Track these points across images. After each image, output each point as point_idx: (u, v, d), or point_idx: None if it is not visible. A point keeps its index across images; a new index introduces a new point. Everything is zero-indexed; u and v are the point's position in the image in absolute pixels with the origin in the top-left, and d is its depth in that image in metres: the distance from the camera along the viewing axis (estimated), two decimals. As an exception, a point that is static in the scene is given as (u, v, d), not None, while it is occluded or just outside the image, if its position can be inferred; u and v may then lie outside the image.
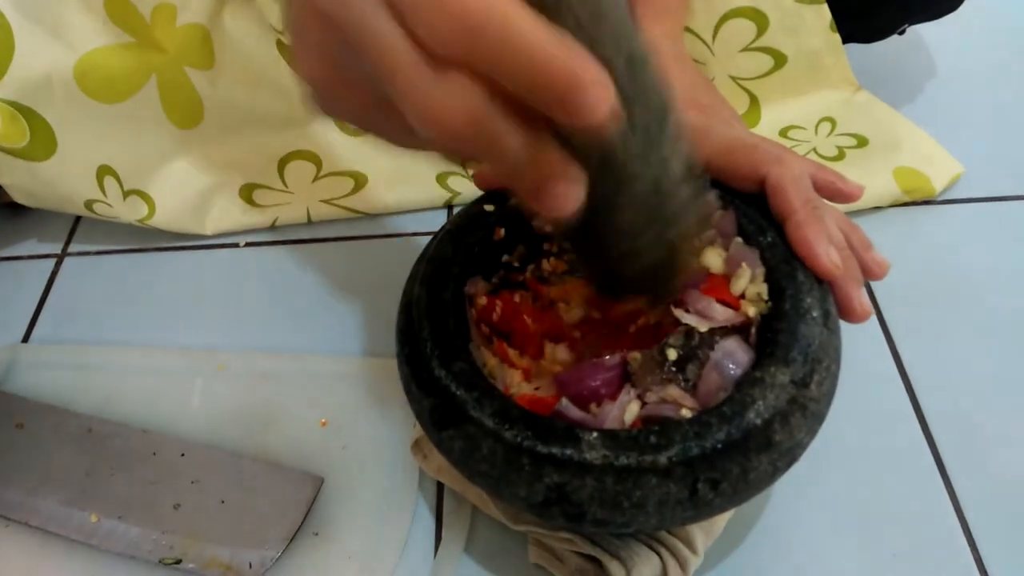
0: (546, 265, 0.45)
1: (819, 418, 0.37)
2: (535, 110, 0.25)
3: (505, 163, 0.26)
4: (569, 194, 0.27)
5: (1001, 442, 0.49)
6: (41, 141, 0.56)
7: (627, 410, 0.37)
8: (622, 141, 0.30)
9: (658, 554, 0.42)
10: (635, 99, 0.29)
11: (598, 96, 0.23)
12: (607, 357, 0.39)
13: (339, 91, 0.29)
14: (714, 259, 0.41)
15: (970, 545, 0.45)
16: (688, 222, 0.35)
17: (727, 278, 0.40)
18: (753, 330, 0.38)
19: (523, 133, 0.25)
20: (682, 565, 0.42)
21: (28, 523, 0.47)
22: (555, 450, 0.34)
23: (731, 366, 0.37)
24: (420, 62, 0.24)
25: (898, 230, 0.61)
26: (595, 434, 0.34)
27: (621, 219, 0.33)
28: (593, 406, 0.38)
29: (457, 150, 0.27)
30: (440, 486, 0.48)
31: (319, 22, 0.26)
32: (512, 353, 0.42)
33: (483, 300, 0.43)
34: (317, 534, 0.46)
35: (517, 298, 0.44)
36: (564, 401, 0.37)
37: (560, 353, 0.42)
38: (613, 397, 0.37)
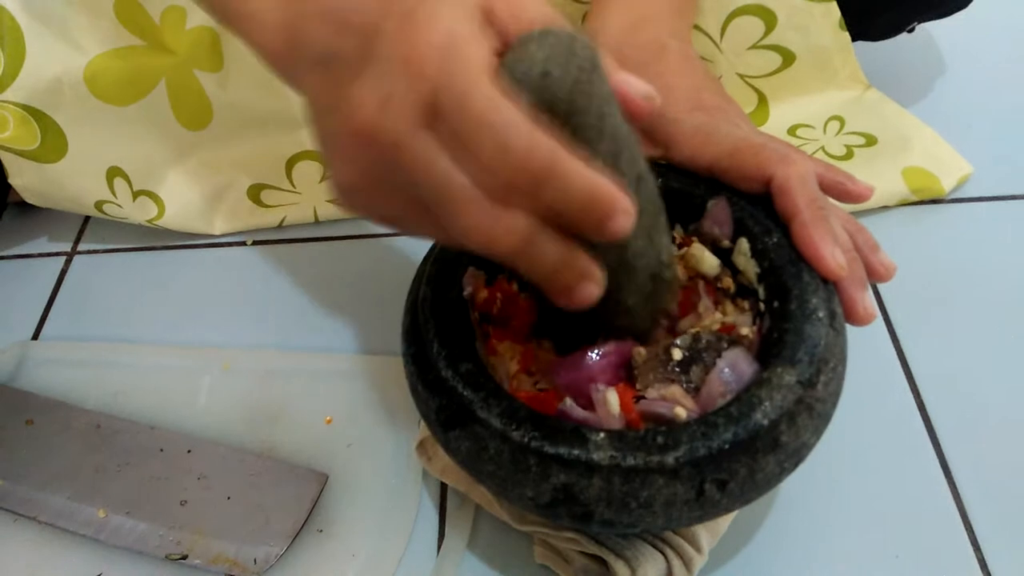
0: None
1: (825, 418, 0.37)
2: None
3: (543, 271, 0.31)
4: (594, 292, 0.32)
5: (1006, 444, 0.49)
6: (52, 143, 0.57)
7: (609, 402, 0.37)
8: (632, 243, 0.35)
9: (663, 554, 0.42)
10: (642, 209, 0.34)
11: (628, 220, 0.29)
12: (602, 347, 0.39)
13: (375, 198, 0.32)
14: (708, 259, 0.42)
15: (974, 547, 0.45)
16: (672, 294, 0.41)
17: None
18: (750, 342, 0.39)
19: (561, 246, 0.30)
20: (687, 564, 0.42)
21: (37, 519, 0.47)
22: (562, 450, 0.34)
23: (735, 376, 0.37)
24: (483, 199, 0.29)
25: (906, 230, 0.60)
26: (602, 434, 0.34)
27: (629, 303, 0.38)
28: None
29: (502, 261, 0.31)
30: (444, 483, 0.48)
31: (363, 143, 0.30)
32: (506, 346, 0.42)
33: (484, 294, 0.43)
34: (321, 531, 0.46)
35: (515, 285, 0.44)
36: (568, 401, 0.37)
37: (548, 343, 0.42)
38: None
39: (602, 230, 0.29)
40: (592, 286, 0.32)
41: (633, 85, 0.32)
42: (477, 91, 0.28)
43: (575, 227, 0.30)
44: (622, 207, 0.29)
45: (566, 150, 0.28)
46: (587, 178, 0.29)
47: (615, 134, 0.32)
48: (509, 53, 0.29)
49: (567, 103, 0.30)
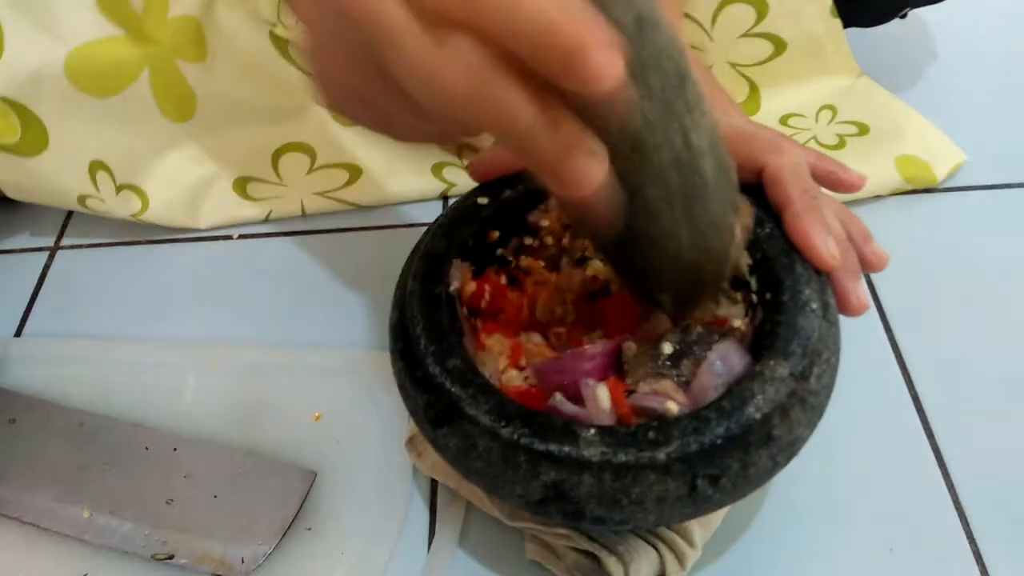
0: (524, 261, 0.45)
1: (819, 411, 0.36)
2: (548, 82, 0.24)
3: (517, 133, 0.25)
4: (591, 167, 0.25)
5: (1001, 435, 0.49)
6: (32, 137, 0.56)
7: (599, 398, 0.36)
8: (638, 109, 0.28)
9: (656, 548, 0.41)
10: (648, 63, 0.27)
11: (606, 59, 0.22)
12: (589, 346, 0.38)
13: (346, 74, 0.29)
14: None
15: (968, 539, 0.45)
16: (716, 204, 0.33)
17: None
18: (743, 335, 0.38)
19: (534, 102, 0.24)
20: (680, 559, 0.41)
21: (20, 519, 0.47)
22: (552, 447, 0.33)
23: (726, 369, 0.36)
24: (419, 29, 0.24)
25: (899, 219, 0.60)
26: (593, 431, 0.34)
27: (644, 196, 0.31)
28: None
29: (465, 121, 0.25)
30: (434, 480, 0.48)
31: (325, 13, 0.27)
32: (495, 339, 0.41)
33: (471, 287, 0.42)
34: (310, 529, 0.46)
35: (503, 278, 0.43)
36: (558, 396, 0.36)
37: (536, 337, 0.42)
38: None
39: (575, 73, 0.22)
40: (589, 160, 0.25)
41: None
42: None
43: (543, 70, 0.23)
44: (598, 39, 0.22)
45: None
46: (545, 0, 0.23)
47: None
48: None
49: None
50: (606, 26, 0.22)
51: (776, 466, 0.35)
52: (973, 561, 0.44)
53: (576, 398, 0.37)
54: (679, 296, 0.37)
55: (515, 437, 0.34)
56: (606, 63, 0.22)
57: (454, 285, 0.41)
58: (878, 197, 0.61)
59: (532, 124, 0.25)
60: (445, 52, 0.24)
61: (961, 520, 0.45)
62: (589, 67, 0.22)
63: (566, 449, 0.33)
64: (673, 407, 0.36)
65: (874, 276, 0.56)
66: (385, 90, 0.28)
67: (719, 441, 0.33)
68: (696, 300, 0.38)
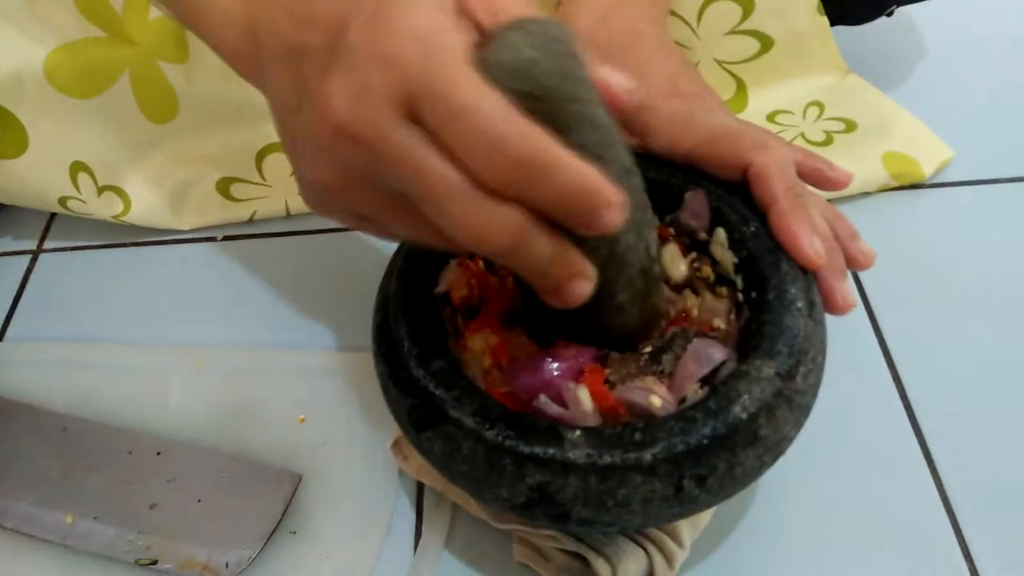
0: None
1: (805, 410, 0.36)
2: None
3: (537, 269, 0.30)
4: (585, 289, 0.31)
5: (990, 432, 0.48)
6: (12, 138, 0.55)
7: (581, 400, 0.36)
8: (622, 237, 0.34)
9: (644, 549, 0.41)
10: (631, 203, 0.32)
11: (620, 213, 0.28)
12: (563, 347, 0.38)
13: (350, 197, 0.31)
14: (678, 267, 0.42)
15: (957, 536, 0.45)
16: (660, 294, 0.40)
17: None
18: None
19: (552, 242, 0.29)
20: (668, 559, 0.41)
21: (2, 525, 0.46)
22: (537, 449, 0.33)
23: (705, 358, 0.36)
24: (470, 191, 0.27)
25: (887, 215, 0.60)
26: (578, 432, 0.33)
27: (620, 299, 0.36)
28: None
29: (492, 258, 0.30)
30: (421, 482, 0.47)
31: (339, 139, 0.29)
32: (479, 338, 0.40)
33: (463, 292, 0.41)
34: (295, 532, 0.45)
35: (480, 264, 0.43)
36: (543, 398, 0.36)
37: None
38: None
39: (593, 223, 0.28)
40: (585, 283, 0.31)
41: (614, 78, 0.31)
42: (460, 80, 0.27)
43: (565, 221, 0.28)
44: (614, 199, 0.28)
45: (553, 139, 0.27)
46: (577, 169, 0.27)
47: (600, 123, 0.31)
48: (489, 44, 0.28)
49: (550, 91, 0.28)
50: (613, 183, 0.28)
51: (763, 466, 0.35)
52: (962, 558, 0.44)
53: (558, 399, 0.36)
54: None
55: (500, 440, 0.33)
56: (617, 216, 0.28)
57: (442, 287, 0.41)
58: (866, 194, 0.61)
59: (547, 259, 0.29)
60: (495, 214, 0.28)
61: (950, 517, 0.45)
62: (605, 219, 0.28)
63: (551, 451, 0.33)
64: (656, 401, 0.35)
65: (861, 272, 0.56)
66: (390, 213, 0.31)
67: (705, 441, 0.33)
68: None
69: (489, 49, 0.28)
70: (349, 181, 0.30)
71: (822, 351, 0.37)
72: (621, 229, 0.30)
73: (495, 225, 0.28)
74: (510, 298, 0.41)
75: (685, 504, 0.33)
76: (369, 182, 0.30)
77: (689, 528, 0.42)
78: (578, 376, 0.37)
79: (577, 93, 0.29)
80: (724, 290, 0.41)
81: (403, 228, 0.32)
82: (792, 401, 0.35)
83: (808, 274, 0.38)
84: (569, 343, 0.38)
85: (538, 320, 0.39)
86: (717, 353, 0.37)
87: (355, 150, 0.29)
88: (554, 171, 0.27)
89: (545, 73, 0.28)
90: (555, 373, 0.37)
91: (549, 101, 0.28)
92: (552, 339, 0.39)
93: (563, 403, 0.36)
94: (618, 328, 0.38)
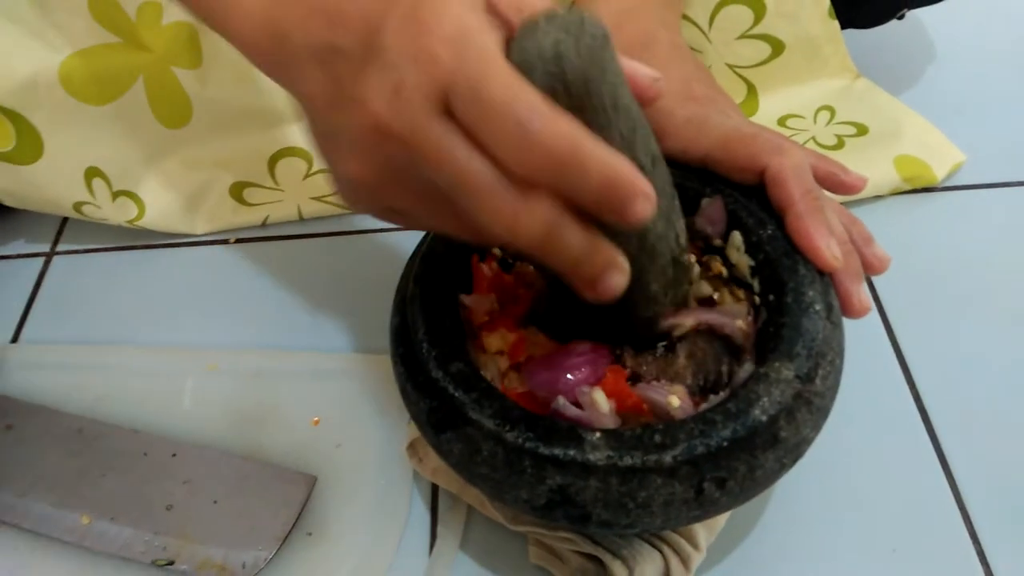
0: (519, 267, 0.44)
1: (824, 413, 0.36)
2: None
3: (570, 261, 0.30)
4: (620, 282, 0.31)
5: (1003, 434, 0.49)
6: (27, 145, 0.55)
7: (597, 402, 0.36)
8: (653, 227, 0.34)
9: (660, 552, 0.41)
10: (660, 192, 0.32)
11: (651, 204, 0.28)
12: (577, 344, 0.38)
13: (385, 192, 0.32)
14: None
15: (972, 539, 0.45)
16: (689, 277, 0.40)
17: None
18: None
19: (585, 234, 0.29)
20: (685, 562, 0.41)
21: (19, 525, 0.46)
22: (557, 451, 0.33)
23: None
24: (504, 184, 0.28)
25: (899, 219, 0.60)
26: (598, 434, 0.33)
27: (653, 289, 0.36)
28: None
29: (527, 251, 0.30)
30: (436, 484, 0.47)
31: (376, 136, 0.29)
32: (496, 337, 0.40)
33: (484, 319, 0.41)
34: (311, 534, 0.46)
35: (494, 264, 0.43)
36: (561, 400, 0.36)
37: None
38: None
39: (625, 215, 0.28)
40: (619, 275, 0.31)
41: (639, 69, 0.32)
42: (493, 76, 0.27)
43: (597, 212, 0.29)
44: (645, 191, 0.28)
45: (586, 132, 0.28)
46: (609, 160, 0.28)
47: (630, 109, 0.31)
48: (517, 39, 0.29)
49: (582, 83, 0.29)
50: (642, 175, 0.28)
51: (782, 468, 0.35)
52: (977, 561, 0.44)
53: (575, 401, 0.36)
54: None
55: (520, 441, 0.34)
56: (648, 207, 0.28)
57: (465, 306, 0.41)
58: (878, 197, 0.61)
59: (580, 251, 0.30)
60: (528, 206, 0.28)
61: (964, 520, 0.45)
62: (637, 210, 0.28)
63: (571, 453, 0.33)
64: (675, 401, 0.36)
65: (875, 276, 0.56)
66: (424, 206, 0.32)
67: (725, 443, 0.33)
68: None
69: (520, 41, 0.28)
70: (385, 177, 0.31)
71: (840, 354, 0.37)
72: (651, 219, 0.30)
73: (529, 217, 0.28)
74: (527, 300, 0.41)
75: (705, 506, 0.33)
76: (405, 177, 0.31)
77: (705, 531, 0.42)
78: (595, 378, 0.37)
79: (608, 80, 0.30)
80: (741, 292, 0.41)
81: (436, 221, 0.32)
82: (811, 403, 0.35)
83: (825, 277, 0.39)
84: (583, 341, 0.38)
85: (563, 319, 0.39)
86: (660, 398, 0.37)
87: (394, 147, 0.29)
88: (586, 163, 0.27)
89: (576, 62, 0.28)
90: (570, 377, 0.37)
91: (581, 90, 0.29)
92: (572, 338, 0.39)
93: (580, 405, 0.36)
94: (650, 321, 0.38)
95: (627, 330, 0.38)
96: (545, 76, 0.28)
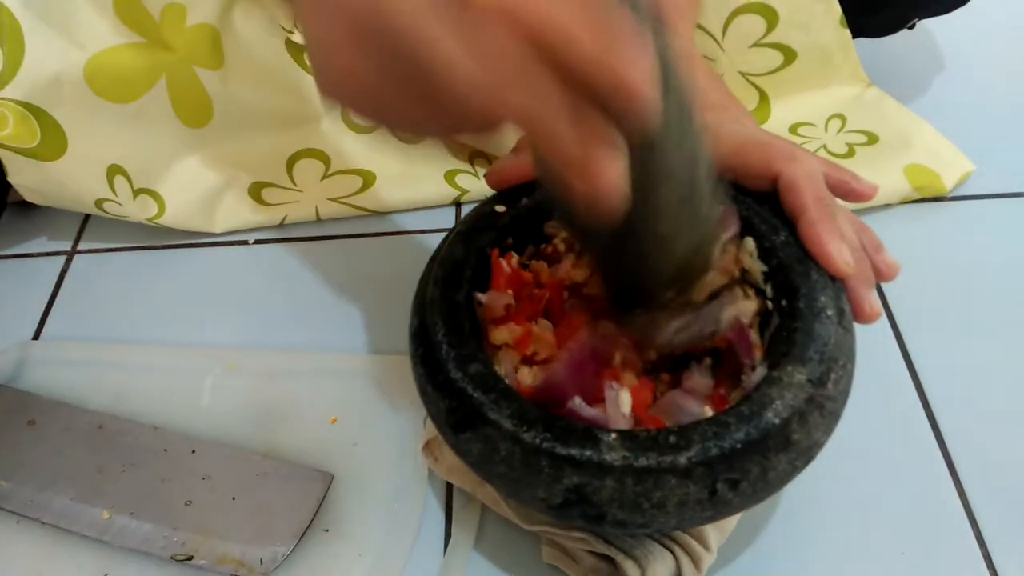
0: (535, 265, 0.45)
1: (836, 417, 0.37)
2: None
3: (546, 120, 0.27)
4: (612, 160, 0.27)
5: (1012, 441, 0.49)
6: (52, 141, 0.56)
7: (621, 402, 0.37)
8: (660, 154, 0.32)
9: (672, 552, 0.42)
10: (668, 95, 0.30)
11: (649, 105, 0.26)
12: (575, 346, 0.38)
13: (367, 85, 0.29)
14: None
15: (979, 543, 0.45)
16: (711, 202, 0.36)
17: None
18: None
19: (566, 93, 0.26)
20: (696, 563, 0.42)
21: (40, 520, 0.47)
22: (574, 451, 0.34)
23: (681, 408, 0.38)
24: (467, 26, 0.26)
25: (908, 227, 0.60)
26: (614, 435, 0.34)
27: (661, 230, 0.34)
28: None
29: (503, 109, 0.27)
30: (450, 483, 0.48)
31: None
32: (503, 331, 0.41)
33: (502, 313, 0.42)
34: (327, 531, 0.46)
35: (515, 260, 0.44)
36: (577, 400, 0.37)
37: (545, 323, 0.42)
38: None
39: (625, 112, 0.26)
40: (607, 149, 0.27)
41: None
42: None
43: (595, 94, 0.26)
44: (646, 93, 0.26)
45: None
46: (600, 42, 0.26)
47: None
48: None
49: None
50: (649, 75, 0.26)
51: (794, 471, 0.35)
52: (984, 565, 0.44)
53: (591, 399, 0.37)
54: (670, 289, 0.38)
55: (537, 442, 0.34)
56: (648, 112, 0.26)
57: (480, 303, 0.41)
58: (887, 206, 0.62)
59: (560, 112, 0.26)
60: (485, 38, 0.26)
61: (972, 524, 0.46)
62: (637, 108, 0.26)
63: (588, 453, 0.34)
64: (709, 412, 0.36)
65: (884, 284, 0.57)
66: (409, 93, 0.29)
67: (739, 445, 0.34)
68: (685, 291, 0.39)
69: None
70: (364, 61, 0.29)
71: (852, 358, 0.38)
72: (660, 147, 0.29)
73: (489, 56, 0.26)
74: (542, 298, 0.42)
75: (718, 507, 0.34)
76: (385, 59, 0.28)
77: (716, 532, 0.43)
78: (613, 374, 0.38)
79: None
80: (752, 291, 0.42)
81: (412, 106, 0.29)
82: (823, 407, 0.36)
83: (837, 283, 0.39)
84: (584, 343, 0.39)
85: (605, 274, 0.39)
86: (694, 408, 0.37)
87: (373, 42, 0.28)
88: (569, 36, 0.26)
89: None
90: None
91: None
92: (617, 291, 0.39)
93: (600, 401, 0.37)
94: (666, 273, 0.37)
95: (649, 288, 0.37)
96: None
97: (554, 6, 0.26)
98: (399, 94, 0.29)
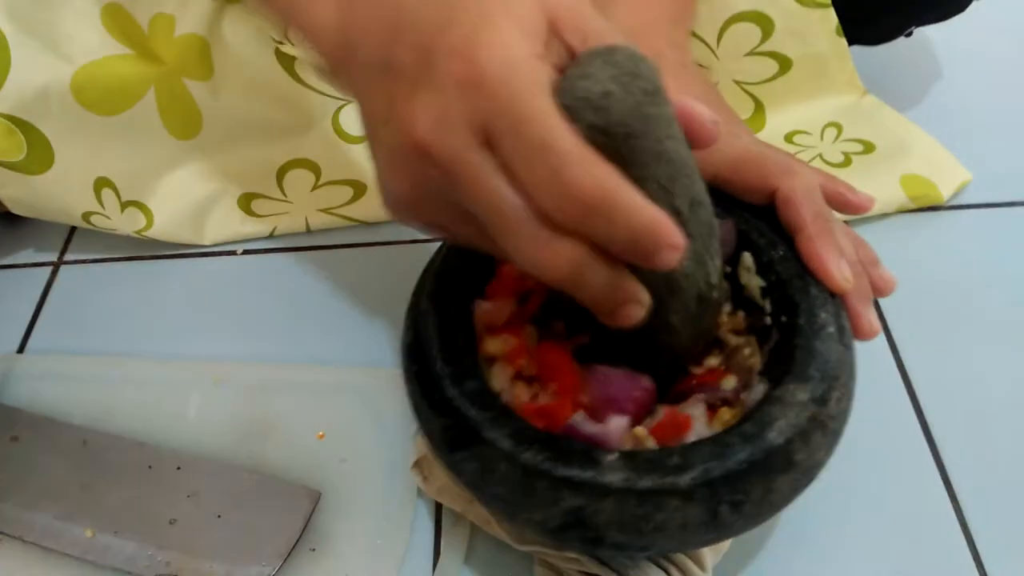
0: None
1: (837, 436, 0.36)
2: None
3: (593, 294, 0.31)
4: (638, 314, 0.32)
5: (1008, 455, 0.48)
6: (38, 154, 0.55)
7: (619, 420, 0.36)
8: (680, 267, 0.35)
9: (667, 572, 0.41)
10: (694, 234, 0.34)
11: (676, 254, 0.29)
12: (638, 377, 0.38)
13: (424, 208, 0.33)
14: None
15: (976, 562, 0.45)
16: (715, 314, 0.39)
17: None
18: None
19: (609, 272, 0.30)
20: (692, 583, 0.41)
21: (23, 538, 0.46)
22: (573, 473, 0.33)
23: None
24: (535, 223, 0.29)
25: (904, 237, 0.60)
26: (614, 455, 0.33)
27: (672, 321, 0.37)
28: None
29: (550, 284, 0.31)
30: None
31: (418, 156, 0.30)
32: (496, 342, 0.40)
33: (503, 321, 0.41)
34: (314, 549, 0.45)
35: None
36: (578, 416, 0.36)
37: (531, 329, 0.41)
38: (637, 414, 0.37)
39: (650, 261, 0.29)
40: (637, 308, 0.32)
41: (697, 112, 0.32)
42: (538, 116, 0.28)
43: (624, 258, 0.30)
44: (672, 242, 0.29)
45: (621, 180, 0.28)
46: (641, 211, 0.28)
47: (672, 158, 0.32)
48: (572, 68, 0.29)
49: (626, 125, 0.29)
50: (677, 227, 0.29)
51: (796, 491, 0.35)
52: (980, 583, 0.44)
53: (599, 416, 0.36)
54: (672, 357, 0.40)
55: (535, 462, 0.33)
56: (675, 257, 0.29)
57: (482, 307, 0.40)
58: (883, 215, 0.61)
59: (605, 289, 0.30)
60: (556, 246, 0.29)
61: (968, 542, 0.45)
62: (664, 259, 0.29)
63: (587, 474, 0.33)
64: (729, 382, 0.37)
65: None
66: (462, 226, 0.32)
67: (741, 466, 0.33)
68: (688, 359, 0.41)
69: (571, 79, 0.29)
70: (423, 194, 0.32)
71: (852, 376, 0.37)
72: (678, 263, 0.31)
73: (556, 257, 0.29)
74: (536, 301, 0.41)
75: (720, 529, 0.33)
76: (442, 197, 0.31)
77: (711, 553, 0.42)
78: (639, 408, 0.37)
79: (650, 130, 0.30)
80: (740, 315, 0.41)
81: (474, 240, 0.33)
82: (826, 427, 0.35)
83: (837, 299, 0.38)
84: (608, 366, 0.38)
85: (595, 334, 0.39)
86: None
87: (432, 169, 0.30)
88: (616, 212, 0.28)
89: (619, 109, 0.29)
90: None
91: (621, 141, 0.30)
92: (604, 350, 0.39)
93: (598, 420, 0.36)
94: (668, 347, 0.38)
95: (646, 354, 0.38)
96: (588, 121, 0.29)
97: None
98: (464, 230, 0.33)
